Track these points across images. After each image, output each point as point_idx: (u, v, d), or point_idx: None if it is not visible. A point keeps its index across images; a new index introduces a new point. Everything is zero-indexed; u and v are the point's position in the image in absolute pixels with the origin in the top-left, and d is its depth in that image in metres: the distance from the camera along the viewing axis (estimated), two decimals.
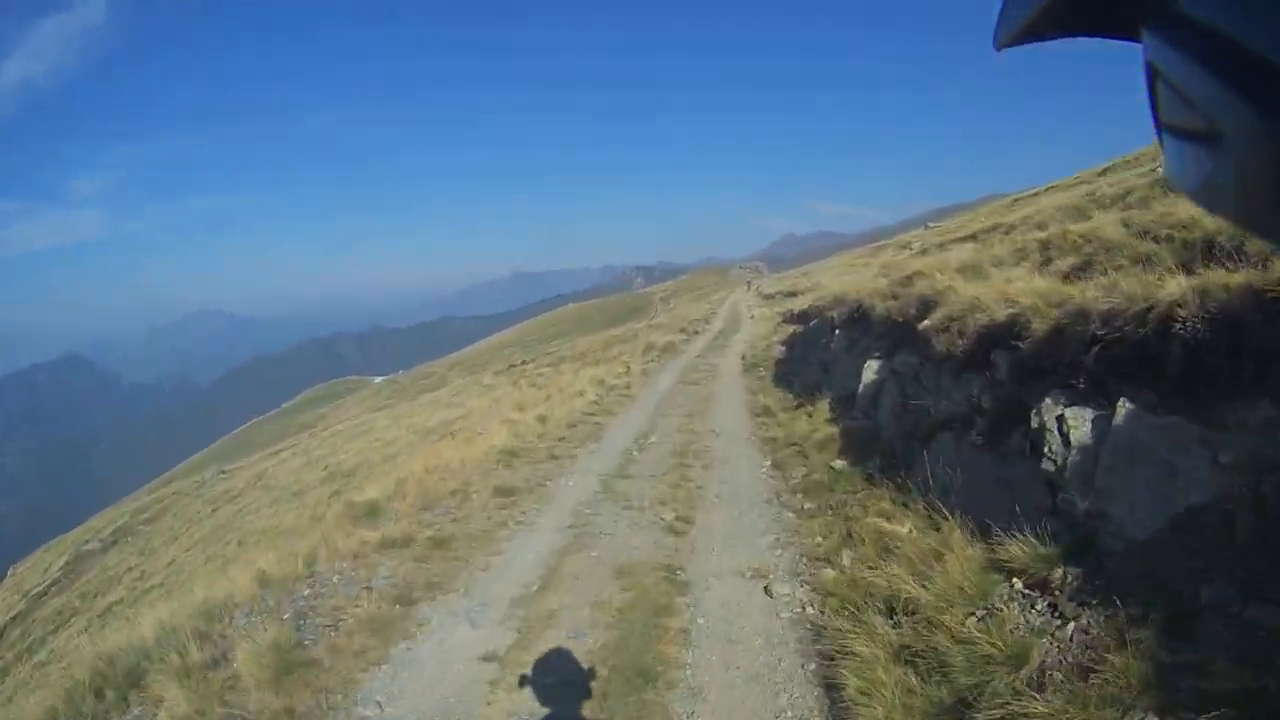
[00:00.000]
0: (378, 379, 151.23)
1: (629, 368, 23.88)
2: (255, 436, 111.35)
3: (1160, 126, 0.53)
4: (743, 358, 23.91)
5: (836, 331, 14.36)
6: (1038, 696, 3.69)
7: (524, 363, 59.05)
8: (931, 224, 55.47)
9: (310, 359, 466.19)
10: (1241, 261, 4.90)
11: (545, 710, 5.09)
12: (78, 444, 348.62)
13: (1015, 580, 4.86)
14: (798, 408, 13.74)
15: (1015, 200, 37.93)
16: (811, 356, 17.06)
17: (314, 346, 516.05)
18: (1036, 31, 0.59)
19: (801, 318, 24.28)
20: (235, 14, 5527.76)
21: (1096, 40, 0.58)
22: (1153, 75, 0.53)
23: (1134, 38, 0.54)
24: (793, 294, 43.50)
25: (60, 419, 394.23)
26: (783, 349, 21.91)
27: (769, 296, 52.05)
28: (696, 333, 35.73)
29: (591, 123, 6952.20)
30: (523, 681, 5.40)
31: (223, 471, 60.81)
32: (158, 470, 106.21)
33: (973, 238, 19.62)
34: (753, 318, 38.27)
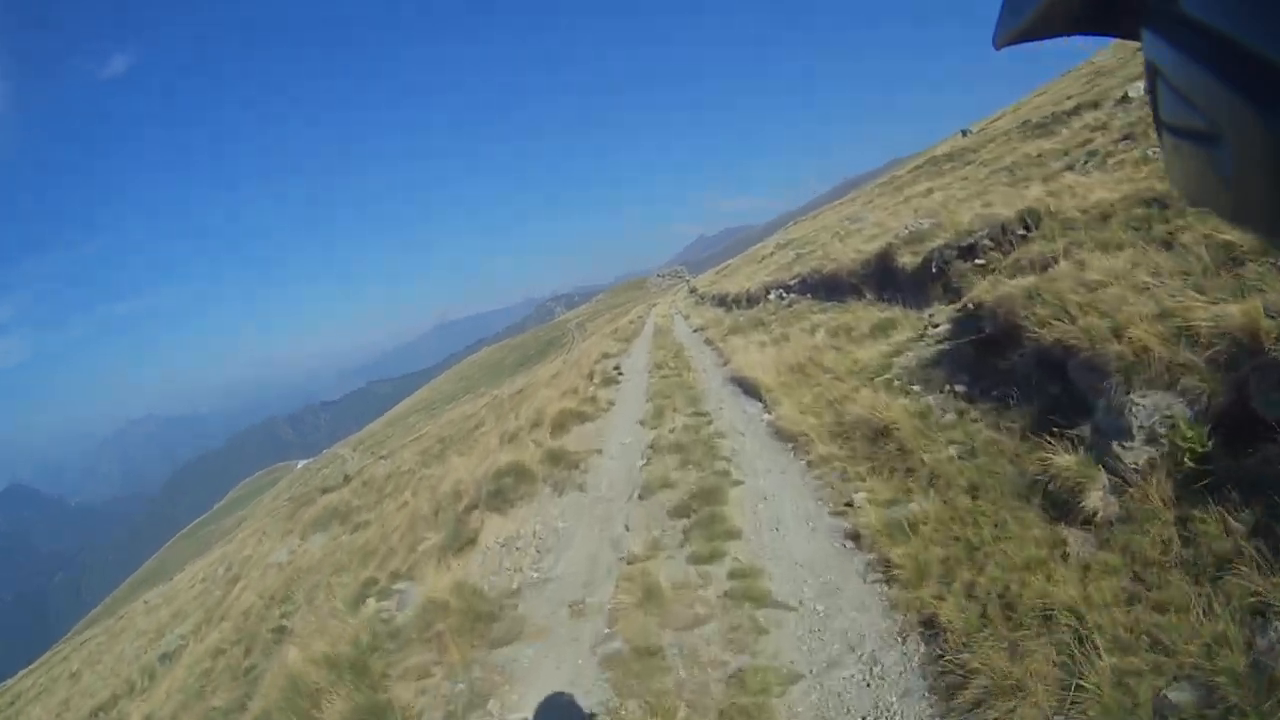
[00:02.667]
0: (300, 464, 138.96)
1: None
2: (174, 556, 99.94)
3: (1160, 126, 0.51)
4: None
5: None
6: None
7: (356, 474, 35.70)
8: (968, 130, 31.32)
9: (250, 447, 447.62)
10: None
11: None
12: (31, 580, 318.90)
13: None
14: None
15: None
16: None
17: (251, 435, 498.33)
18: (1037, 31, 0.57)
19: None
20: (117, 116, 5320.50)
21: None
22: (1153, 75, 0.50)
23: (1134, 38, 0.52)
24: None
25: (10, 555, 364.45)
26: None
27: (736, 304, 25.32)
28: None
29: (483, 162, 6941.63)
30: None
31: None
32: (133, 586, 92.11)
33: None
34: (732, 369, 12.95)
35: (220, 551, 46.74)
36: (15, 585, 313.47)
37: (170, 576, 55.43)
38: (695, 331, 24.19)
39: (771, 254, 33.21)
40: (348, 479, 34.17)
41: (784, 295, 18.48)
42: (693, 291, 60.93)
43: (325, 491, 36.99)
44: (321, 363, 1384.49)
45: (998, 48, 0.62)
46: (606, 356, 22.49)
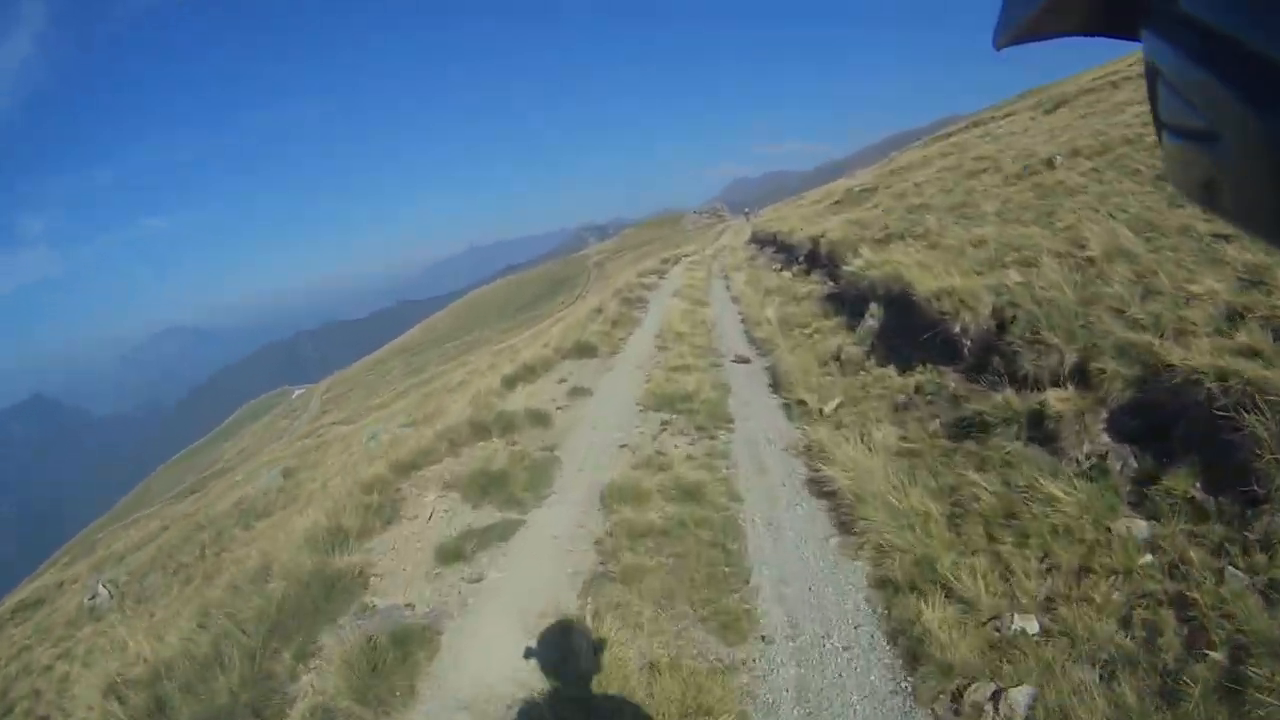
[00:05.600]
0: (296, 391, 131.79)
1: None
2: (156, 485, 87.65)
3: (1160, 126, 0.50)
4: None
5: None
6: None
7: None
8: None
9: (271, 363, 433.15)
10: None
11: None
12: (49, 489, 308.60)
13: None
14: None
15: None
16: None
17: (274, 350, 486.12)
18: (1037, 31, 0.56)
19: None
20: (160, 28, 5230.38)
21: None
22: (1153, 75, 0.50)
23: (1134, 37, 0.51)
24: None
25: (31, 465, 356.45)
26: None
27: None
28: None
29: (534, 87, 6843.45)
30: None
31: None
32: (127, 508, 77.90)
33: None
34: None
35: None
36: (26, 492, 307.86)
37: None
38: None
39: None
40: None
41: None
42: (762, 245, 30.26)
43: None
44: (354, 284, 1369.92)
45: (998, 48, 0.60)
46: None
